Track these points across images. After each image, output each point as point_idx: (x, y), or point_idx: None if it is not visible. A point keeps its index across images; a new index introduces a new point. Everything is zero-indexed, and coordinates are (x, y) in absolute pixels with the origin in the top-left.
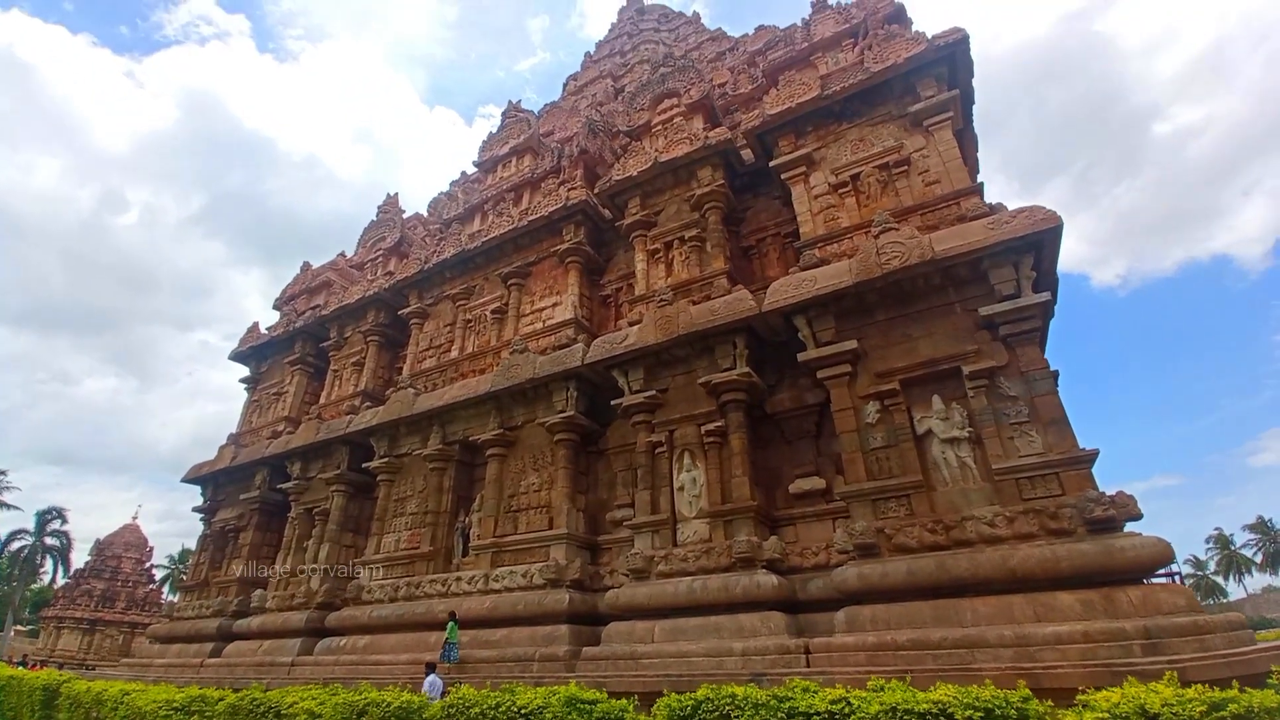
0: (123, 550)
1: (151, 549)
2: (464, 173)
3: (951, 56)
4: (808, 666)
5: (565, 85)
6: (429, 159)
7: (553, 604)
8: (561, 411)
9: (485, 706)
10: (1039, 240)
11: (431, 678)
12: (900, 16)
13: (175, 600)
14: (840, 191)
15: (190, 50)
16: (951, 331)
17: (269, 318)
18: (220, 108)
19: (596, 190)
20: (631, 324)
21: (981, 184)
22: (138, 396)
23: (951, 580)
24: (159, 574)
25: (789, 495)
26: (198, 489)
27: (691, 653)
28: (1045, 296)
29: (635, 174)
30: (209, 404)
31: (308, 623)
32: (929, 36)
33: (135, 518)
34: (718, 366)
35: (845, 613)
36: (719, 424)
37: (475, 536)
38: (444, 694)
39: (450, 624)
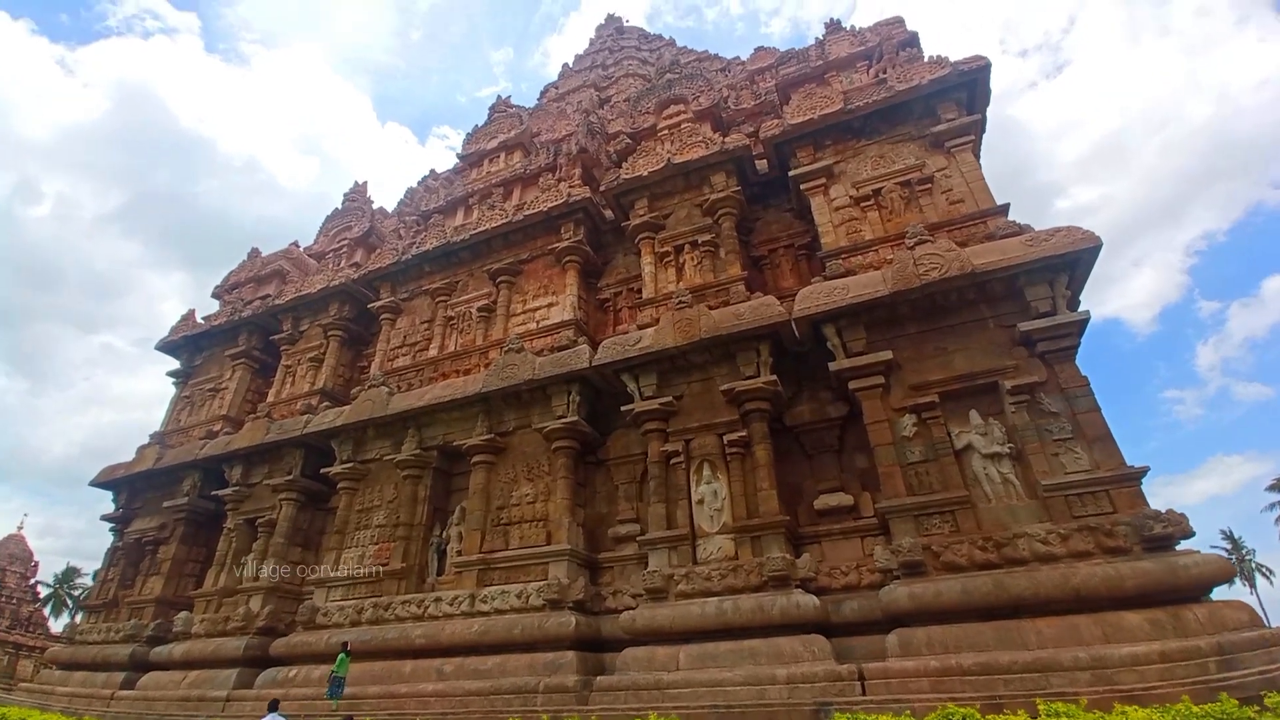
0: (7, 563)
1: (37, 564)
2: (433, 170)
3: (973, 83)
4: (863, 694)
5: (544, 93)
6: (380, 174)
7: (556, 628)
8: (562, 416)
9: None
10: (1077, 259)
11: (272, 715)
12: (914, 43)
13: (76, 622)
14: (862, 205)
15: (131, 43)
16: (986, 346)
17: (196, 316)
18: (156, 104)
19: (602, 188)
20: (641, 327)
21: (1007, 204)
22: (26, 399)
23: (1010, 600)
24: (42, 592)
25: (812, 511)
26: (97, 498)
27: (727, 681)
28: (1085, 314)
29: (646, 174)
30: (106, 412)
31: (246, 650)
32: (951, 61)
33: (20, 528)
34: (739, 374)
35: (897, 635)
36: (742, 434)
37: (456, 552)
38: None
39: (340, 655)
